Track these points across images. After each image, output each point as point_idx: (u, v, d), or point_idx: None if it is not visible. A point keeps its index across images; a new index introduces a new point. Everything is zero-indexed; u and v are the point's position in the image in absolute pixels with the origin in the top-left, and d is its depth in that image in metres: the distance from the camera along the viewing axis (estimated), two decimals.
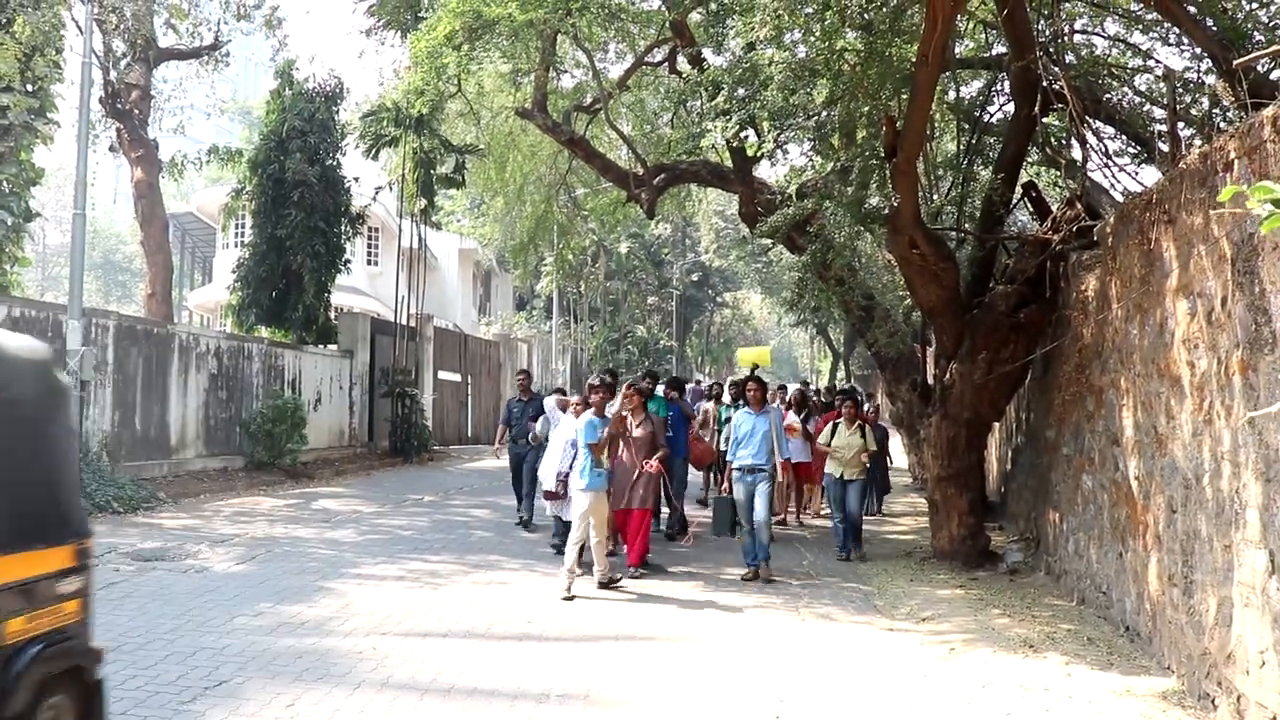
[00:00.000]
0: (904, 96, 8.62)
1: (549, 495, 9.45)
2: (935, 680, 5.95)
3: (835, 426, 10.46)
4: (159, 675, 5.52)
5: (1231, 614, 4.82)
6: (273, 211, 19.14)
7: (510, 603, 7.70)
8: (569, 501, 8.66)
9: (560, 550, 9.08)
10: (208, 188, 36.14)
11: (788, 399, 14.12)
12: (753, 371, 12.79)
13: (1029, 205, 10.18)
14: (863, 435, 10.27)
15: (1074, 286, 8.39)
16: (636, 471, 8.79)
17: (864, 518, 11.07)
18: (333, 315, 21.51)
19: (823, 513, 13.23)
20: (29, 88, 17.45)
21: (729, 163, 12.33)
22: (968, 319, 9.38)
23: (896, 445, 19.88)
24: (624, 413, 9.01)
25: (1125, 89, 10.07)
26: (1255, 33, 8.25)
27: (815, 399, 15.86)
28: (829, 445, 10.39)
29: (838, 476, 10.29)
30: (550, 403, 11.01)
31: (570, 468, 8.77)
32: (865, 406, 13.77)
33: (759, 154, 10.25)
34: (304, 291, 19.23)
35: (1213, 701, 5.03)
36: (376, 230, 31.47)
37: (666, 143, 14.34)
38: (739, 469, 8.90)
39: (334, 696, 5.24)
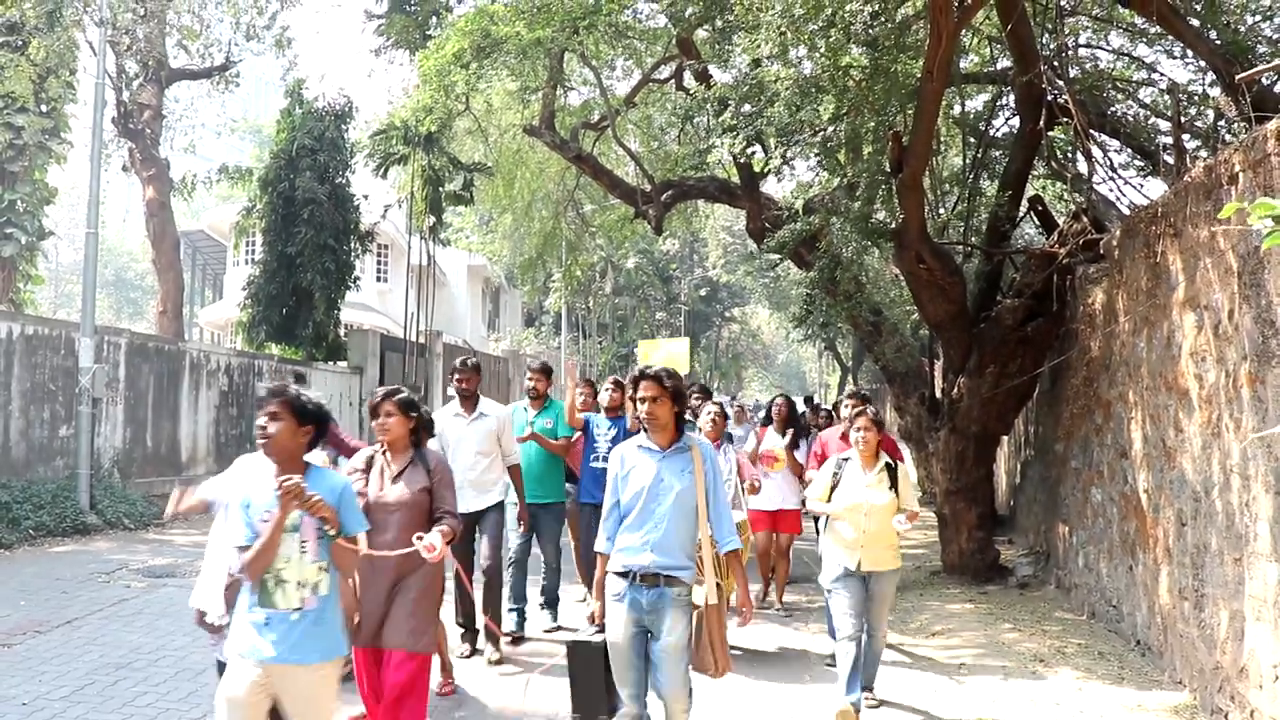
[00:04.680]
0: (909, 112, 8.66)
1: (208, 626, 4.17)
2: (945, 696, 5.93)
3: (840, 466, 5.69)
4: (170, 692, 5.54)
5: (1243, 628, 4.80)
6: (283, 229, 19.26)
7: None
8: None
9: None
10: (218, 206, 36.37)
11: (766, 411, 9.34)
12: (641, 374, 5.85)
13: (1035, 219, 10.19)
14: (892, 482, 5.55)
15: (1081, 300, 8.39)
16: (393, 575, 4.33)
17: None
18: (342, 332, 21.61)
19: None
20: (43, 108, 17.68)
21: (736, 178, 12.36)
22: (975, 333, 9.37)
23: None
24: (377, 447, 4.56)
25: (1130, 102, 10.08)
26: (1259, 46, 8.28)
27: (814, 415, 12.22)
28: (824, 499, 5.68)
29: (851, 569, 5.46)
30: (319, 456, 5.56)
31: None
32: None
33: (766, 170, 10.28)
34: (314, 308, 19.33)
35: (1226, 716, 5.00)
36: (386, 247, 31.63)
37: (674, 159, 14.39)
38: (623, 571, 4.05)
39: (342, 713, 5.25)
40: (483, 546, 6.49)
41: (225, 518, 3.78)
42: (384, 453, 4.47)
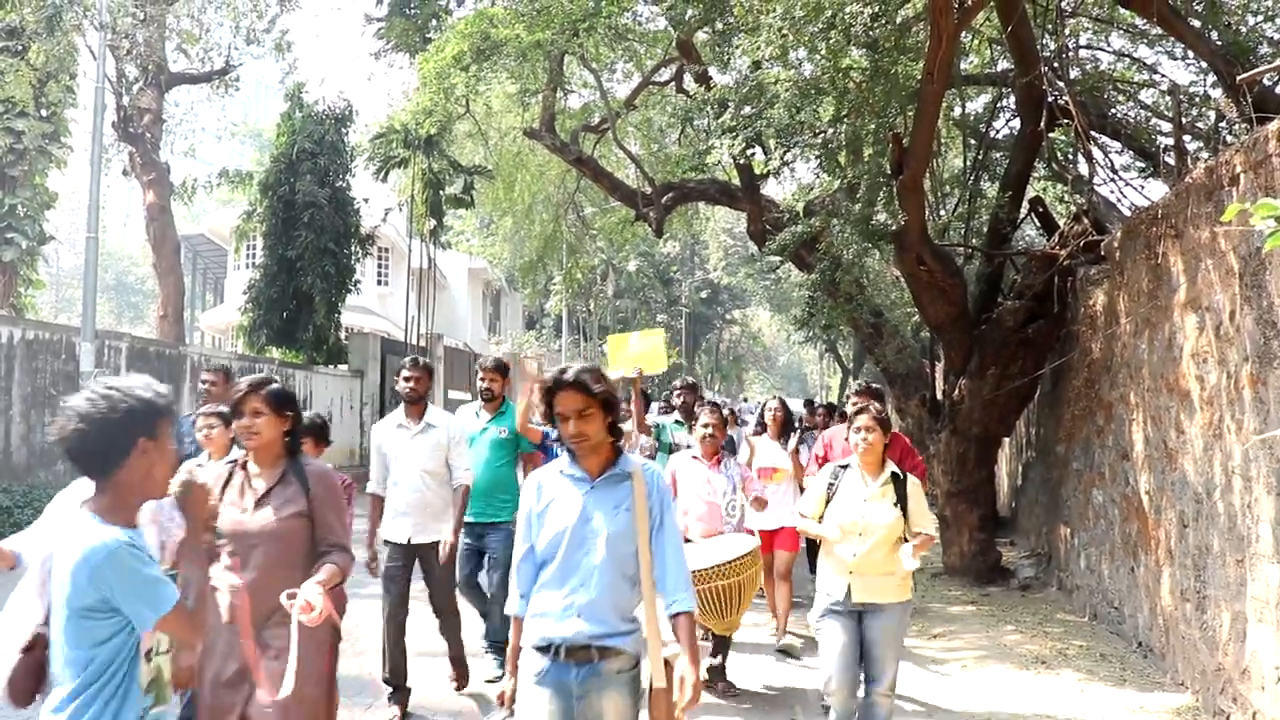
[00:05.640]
0: (910, 113, 8.66)
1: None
2: (947, 699, 5.92)
3: (837, 475, 4.59)
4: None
5: (1245, 629, 4.79)
6: (283, 233, 19.29)
7: None
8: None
9: None
10: (219, 210, 36.42)
11: (758, 417, 8.34)
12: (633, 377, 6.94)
13: (1036, 220, 10.19)
14: (899, 498, 4.43)
15: (1082, 301, 8.38)
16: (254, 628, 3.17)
17: None
18: (343, 335, 21.63)
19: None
20: (43, 113, 17.71)
21: (736, 181, 12.37)
22: (976, 335, 9.37)
23: None
24: (239, 457, 3.54)
25: (1131, 104, 10.09)
26: (1260, 47, 8.27)
27: (811, 415, 11.81)
28: (816, 516, 4.57)
29: (839, 601, 4.38)
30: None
31: None
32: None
33: (766, 172, 10.27)
34: (314, 312, 19.36)
35: (1228, 718, 4.99)
36: (386, 251, 31.65)
37: (674, 161, 14.39)
38: (543, 645, 2.96)
39: (351, 715, 5.24)
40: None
41: (34, 580, 2.66)
42: (245, 465, 3.38)
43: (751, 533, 5.63)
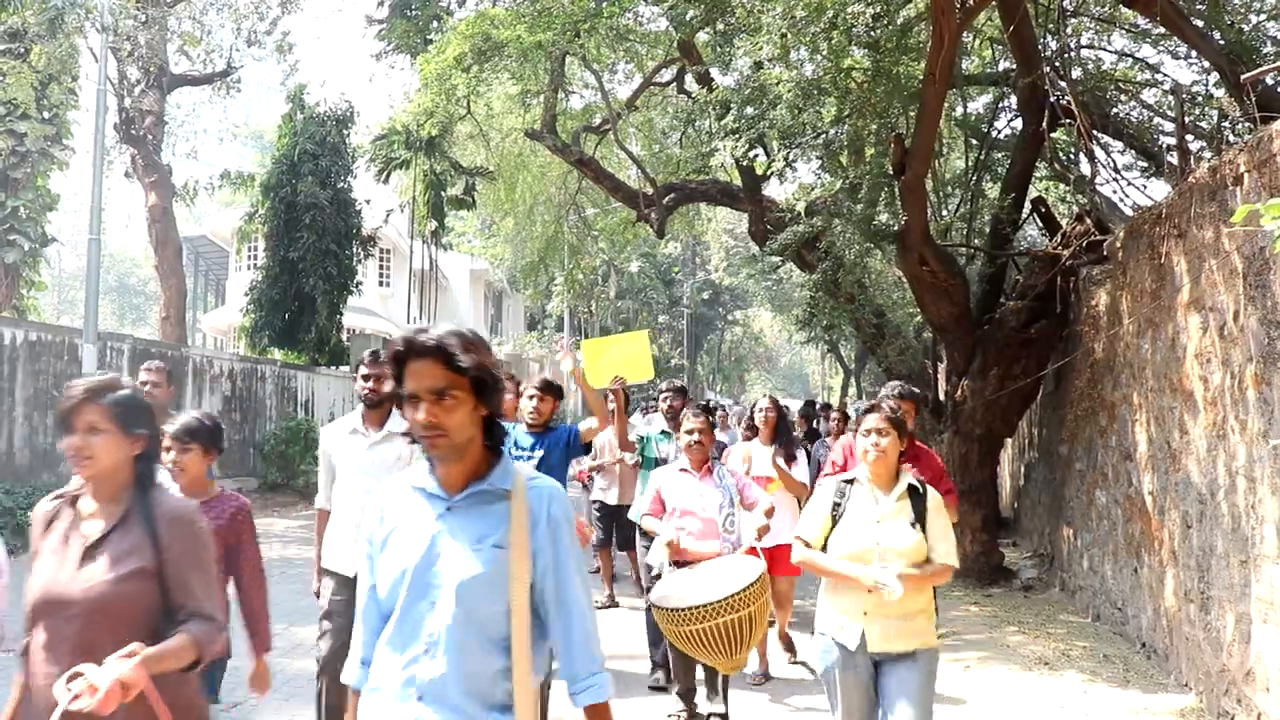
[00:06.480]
0: (911, 114, 8.65)
1: None
2: (950, 699, 5.90)
3: (842, 494, 3.69)
4: None
5: (1250, 630, 4.77)
6: (285, 234, 19.29)
7: None
8: None
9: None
10: (221, 211, 36.43)
11: (749, 418, 7.17)
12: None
13: (1038, 221, 10.18)
14: (917, 515, 3.60)
15: (1085, 302, 8.37)
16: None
17: None
18: (345, 337, 21.63)
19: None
20: (45, 115, 17.71)
21: (738, 181, 12.37)
22: (978, 335, 9.36)
23: None
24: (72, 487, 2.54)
25: (1133, 103, 10.08)
26: (1264, 46, 8.26)
27: (825, 417, 11.18)
28: (818, 542, 3.68)
29: (849, 650, 3.52)
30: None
31: None
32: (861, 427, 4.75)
33: (768, 172, 10.29)
34: (316, 313, 19.36)
35: (1232, 719, 4.98)
36: (388, 252, 31.66)
37: (676, 162, 14.40)
38: None
39: None
40: None
41: None
42: (74, 501, 2.45)
43: (756, 551, 4.78)
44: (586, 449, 5.07)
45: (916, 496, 3.62)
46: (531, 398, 5.10)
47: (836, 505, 3.66)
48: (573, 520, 2.14)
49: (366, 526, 2.18)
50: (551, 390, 5.14)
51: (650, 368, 5.94)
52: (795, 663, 6.44)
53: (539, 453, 5.01)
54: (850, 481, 3.70)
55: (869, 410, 3.72)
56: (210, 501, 3.54)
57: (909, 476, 3.69)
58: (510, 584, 1.99)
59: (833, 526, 3.64)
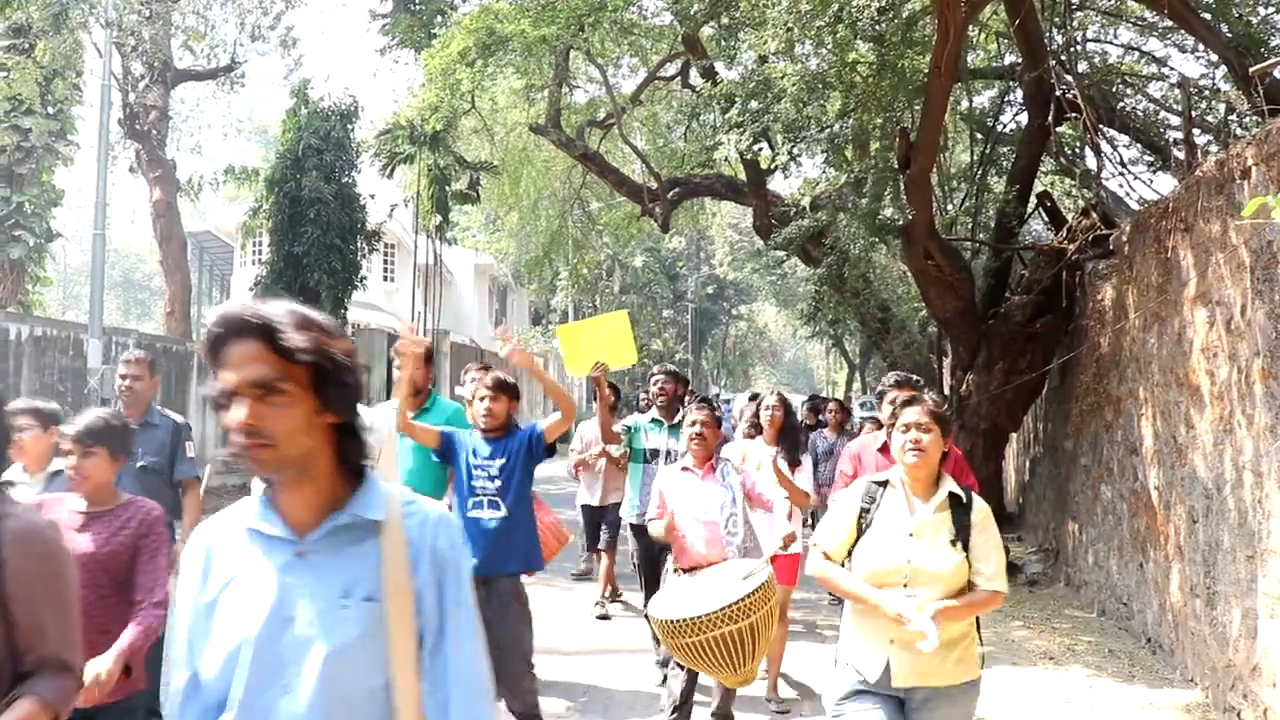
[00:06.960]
0: (917, 108, 8.63)
1: None
2: None
3: (872, 499, 3.03)
4: None
5: (1256, 625, 4.76)
6: (289, 229, 19.29)
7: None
8: None
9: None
10: (225, 206, 36.45)
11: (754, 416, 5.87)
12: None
13: (1044, 215, 10.15)
14: (958, 531, 2.92)
15: (1090, 296, 8.34)
16: None
17: None
18: (349, 331, 21.65)
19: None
20: (50, 110, 17.73)
21: (743, 176, 12.34)
22: (983, 329, 9.33)
23: None
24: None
25: (1139, 97, 10.05)
26: (1271, 39, 8.22)
27: (824, 409, 9.98)
28: (839, 556, 3.06)
29: (871, 682, 2.91)
30: None
31: None
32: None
33: (773, 166, 10.27)
34: (321, 308, 19.19)
35: (1238, 715, 4.96)
36: (393, 247, 31.66)
37: (680, 156, 14.39)
38: None
39: None
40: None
41: None
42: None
43: (777, 560, 4.29)
44: (551, 451, 4.42)
45: (959, 507, 2.96)
46: (483, 399, 4.42)
47: (865, 511, 3.03)
48: (464, 556, 1.63)
49: (181, 587, 1.59)
50: (506, 389, 4.45)
51: (633, 351, 5.37)
52: (781, 712, 5.48)
53: (499, 460, 4.37)
54: (883, 484, 3.06)
55: (908, 403, 3.03)
56: (115, 511, 2.95)
57: (950, 483, 3.02)
58: (390, 649, 1.49)
59: (858, 537, 3.02)
